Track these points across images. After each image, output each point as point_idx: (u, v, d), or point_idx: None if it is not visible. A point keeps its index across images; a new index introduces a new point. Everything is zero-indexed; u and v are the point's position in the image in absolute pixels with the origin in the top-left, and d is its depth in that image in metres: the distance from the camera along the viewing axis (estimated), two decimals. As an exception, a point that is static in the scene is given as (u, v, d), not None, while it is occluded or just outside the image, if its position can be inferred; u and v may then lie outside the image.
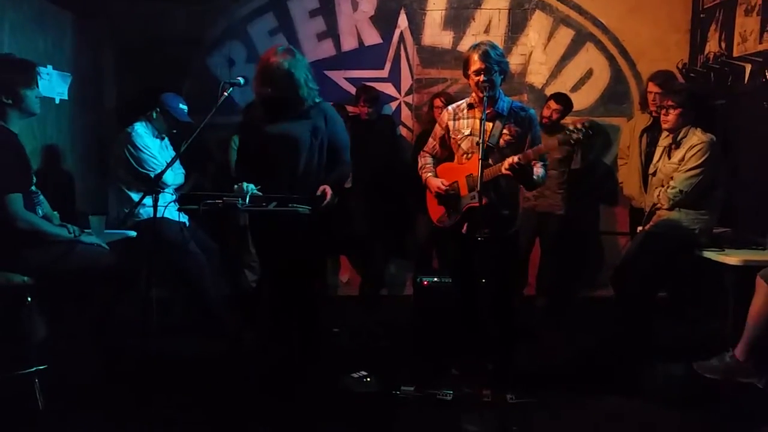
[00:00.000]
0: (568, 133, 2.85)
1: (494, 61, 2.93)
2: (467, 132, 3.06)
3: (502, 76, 3.01)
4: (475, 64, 2.94)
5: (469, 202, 3.03)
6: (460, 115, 3.12)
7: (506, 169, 2.85)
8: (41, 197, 3.06)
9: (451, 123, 3.14)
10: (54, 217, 3.14)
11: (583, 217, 5.09)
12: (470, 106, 3.09)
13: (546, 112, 4.57)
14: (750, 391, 3.07)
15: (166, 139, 3.94)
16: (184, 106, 3.86)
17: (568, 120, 4.80)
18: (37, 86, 2.95)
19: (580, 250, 5.11)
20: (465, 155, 3.08)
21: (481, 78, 2.93)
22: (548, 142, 3.05)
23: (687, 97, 3.52)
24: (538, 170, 3.00)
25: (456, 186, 3.10)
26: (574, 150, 4.64)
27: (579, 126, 2.82)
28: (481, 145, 2.81)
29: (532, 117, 3.08)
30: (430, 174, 3.21)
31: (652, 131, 4.11)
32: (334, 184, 3.12)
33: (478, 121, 2.98)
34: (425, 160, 3.28)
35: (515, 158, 2.84)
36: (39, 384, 2.81)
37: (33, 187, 2.98)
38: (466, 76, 3.03)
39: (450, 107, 3.20)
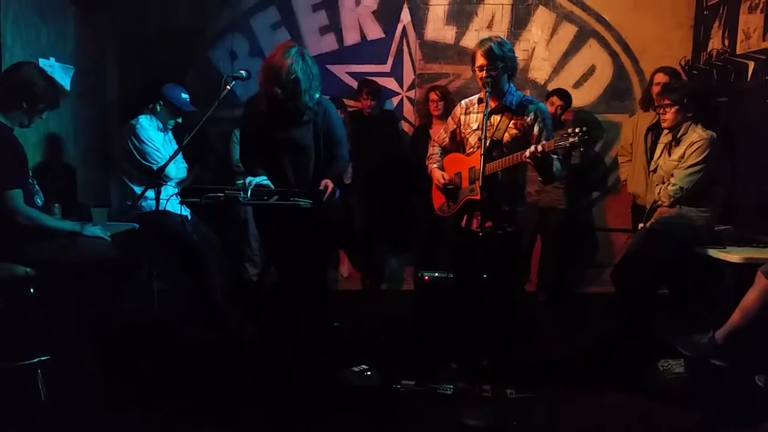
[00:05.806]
0: (564, 136, 2.78)
1: (498, 58, 2.93)
2: (475, 126, 3.08)
3: (509, 72, 3.01)
4: (478, 60, 2.96)
5: (467, 195, 3.04)
6: (471, 109, 3.14)
7: (527, 157, 2.81)
8: (36, 186, 3.07)
9: (462, 117, 3.16)
10: (55, 207, 3.15)
11: (585, 212, 5.11)
12: (480, 101, 3.10)
13: (550, 109, 4.55)
14: (748, 388, 3.07)
15: (170, 132, 3.94)
16: (185, 96, 3.87)
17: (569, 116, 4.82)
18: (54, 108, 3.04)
19: (582, 245, 5.12)
20: (473, 149, 3.10)
21: (483, 74, 2.94)
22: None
23: (683, 94, 3.52)
24: (555, 163, 2.97)
25: (458, 178, 3.11)
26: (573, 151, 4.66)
27: (577, 130, 2.75)
28: (483, 140, 2.80)
29: (541, 109, 3.05)
30: (435, 165, 3.24)
31: (657, 129, 4.05)
32: (333, 179, 3.15)
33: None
34: (433, 150, 3.30)
35: (539, 146, 2.79)
36: (41, 375, 2.83)
37: (30, 179, 3.00)
38: (473, 71, 3.05)
39: (463, 102, 3.22)
